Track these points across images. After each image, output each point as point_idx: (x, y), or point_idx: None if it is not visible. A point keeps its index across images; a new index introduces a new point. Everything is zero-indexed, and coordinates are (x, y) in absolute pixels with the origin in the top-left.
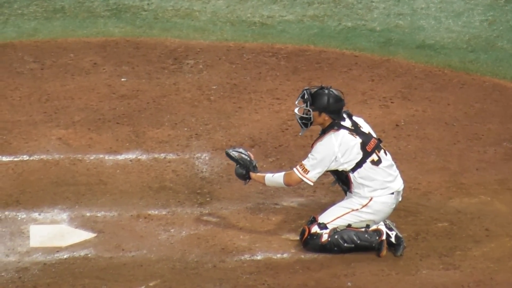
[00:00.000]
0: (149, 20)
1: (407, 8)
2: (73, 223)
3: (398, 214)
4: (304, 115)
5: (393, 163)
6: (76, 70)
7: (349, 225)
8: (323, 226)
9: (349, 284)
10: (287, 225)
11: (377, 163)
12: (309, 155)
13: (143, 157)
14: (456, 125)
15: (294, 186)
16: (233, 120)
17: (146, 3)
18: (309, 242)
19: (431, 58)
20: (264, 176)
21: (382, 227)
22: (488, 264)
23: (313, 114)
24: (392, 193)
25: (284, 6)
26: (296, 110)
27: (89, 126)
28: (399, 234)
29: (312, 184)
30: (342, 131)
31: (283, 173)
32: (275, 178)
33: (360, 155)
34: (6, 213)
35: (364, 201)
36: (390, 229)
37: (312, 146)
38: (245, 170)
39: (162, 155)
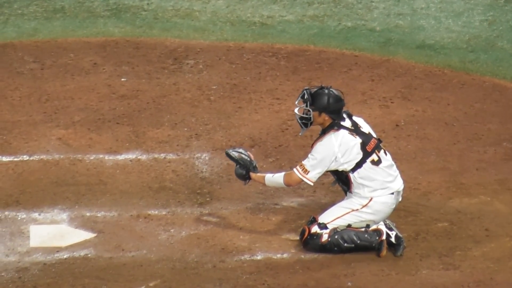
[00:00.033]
0: (149, 20)
1: (407, 8)
2: (73, 223)
3: (398, 214)
4: (304, 115)
5: (393, 163)
6: (76, 70)
7: (349, 225)
8: (323, 226)
9: (349, 284)
10: (287, 225)
11: (377, 163)
12: (309, 155)
13: (143, 157)
14: (456, 125)
15: (294, 186)
16: (233, 120)
17: (146, 3)
18: (309, 242)
19: (431, 58)
20: (264, 176)
21: (382, 227)
22: (488, 264)
23: (313, 114)
24: (392, 193)
25: (284, 6)
26: (296, 110)
27: (89, 126)
28: (399, 234)
29: (312, 184)
30: (342, 131)
31: (283, 173)
32: (275, 178)
33: (360, 155)
34: (6, 213)
35: (364, 201)
36: (390, 229)
37: (312, 146)
38: (245, 170)
39: (162, 155)
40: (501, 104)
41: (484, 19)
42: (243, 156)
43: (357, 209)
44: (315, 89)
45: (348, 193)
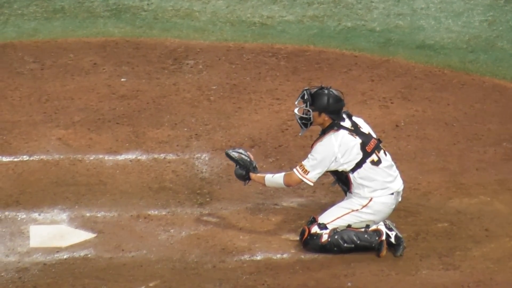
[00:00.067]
0: (149, 20)
1: (407, 8)
2: (73, 223)
3: (398, 214)
4: (304, 115)
5: (393, 163)
6: (76, 70)
7: (349, 226)
8: (323, 227)
9: (349, 284)
10: (287, 225)
11: (377, 163)
12: (309, 156)
13: (143, 157)
14: (456, 125)
15: (294, 186)
16: (233, 120)
17: (146, 3)
18: (309, 243)
19: (431, 58)
20: (264, 177)
21: (382, 227)
22: (488, 265)
23: (313, 114)
24: (392, 194)
25: (284, 6)
26: (296, 110)
27: (89, 126)
28: (399, 234)
29: (312, 184)
30: (342, 131)
31: (283, 173)
32: (275, 178)
33: (360, 156)
34: (6, 213)
35: (364, 202)
36: (390, 229)
37: (312, 147)
38: (245, 170)
39: (162, 155)
40: (501, 104)
41: (484, 19)
42: (243, 156)
43: (357, 210)
44: (315, 90)
45: (348, 193)
